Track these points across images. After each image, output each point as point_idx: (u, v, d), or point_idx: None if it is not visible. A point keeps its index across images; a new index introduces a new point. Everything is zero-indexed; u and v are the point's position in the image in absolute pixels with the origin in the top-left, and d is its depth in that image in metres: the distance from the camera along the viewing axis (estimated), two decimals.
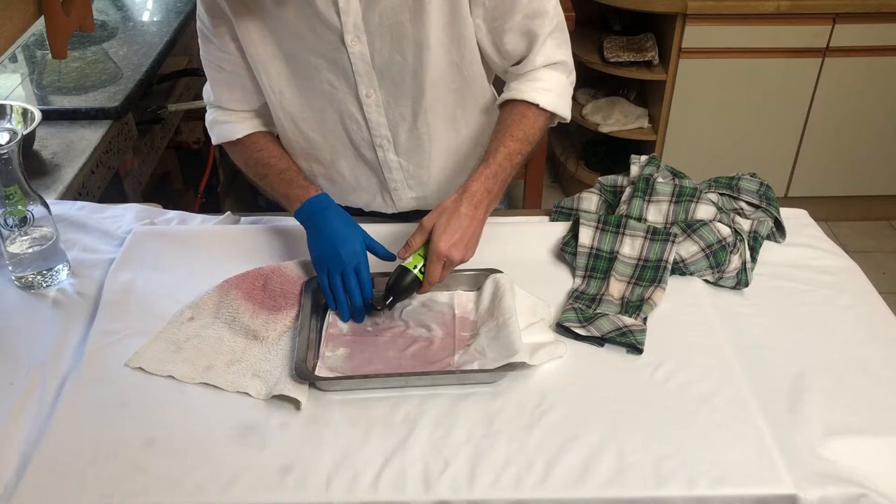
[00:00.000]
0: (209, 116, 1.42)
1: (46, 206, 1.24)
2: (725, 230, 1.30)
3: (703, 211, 1.34)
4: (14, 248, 1.24)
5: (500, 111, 1.31)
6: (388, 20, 1.20)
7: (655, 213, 1.36)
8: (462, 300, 1.26)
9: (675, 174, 1.42)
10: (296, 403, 1.07)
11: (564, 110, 1.31)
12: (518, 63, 1.30)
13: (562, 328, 1.19)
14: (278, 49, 1.26)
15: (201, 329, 1.19)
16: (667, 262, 1.27)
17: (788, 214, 1.46)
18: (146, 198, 2.06)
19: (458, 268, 1.27)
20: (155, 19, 2.38)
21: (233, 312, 1.20)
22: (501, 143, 1.23)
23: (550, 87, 1.28)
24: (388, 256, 1.22)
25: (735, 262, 1.29)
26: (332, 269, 1.18)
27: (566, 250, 1.34)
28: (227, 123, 1.38)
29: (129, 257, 1.32)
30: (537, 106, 1.26)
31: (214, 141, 1.41)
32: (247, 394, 1.09)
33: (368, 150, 1.37)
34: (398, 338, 1.19)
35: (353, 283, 1.17)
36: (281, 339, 1.17)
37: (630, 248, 1.30)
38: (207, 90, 1.40)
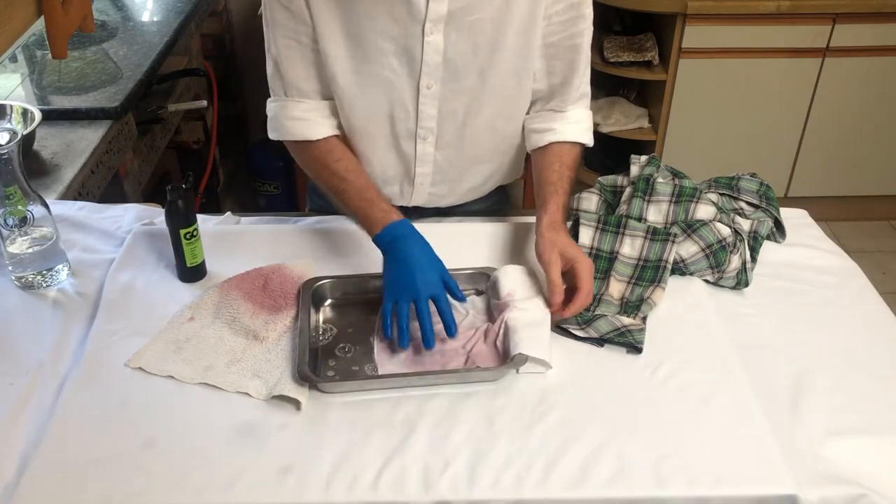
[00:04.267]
0: (274, 106, 1.33)
1: (46, 206, 1.24)
2: (725, 230, 1.30)
3: (703, 211, 1.34)
4: (14, 248, 1.24)
5: (548, 150, 1.35)
6: (471, 15, 1.20)
7: (655, 213, 1.36)
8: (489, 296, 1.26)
9: (675, 174, 1.42)
10: (296, 404, 1.07)
11: (591, 140, 1.40)
12: (554, 99, 1.35)
13: (560, 329, 1.19)
14: (344, 29, 1.22)
15: (201, 329, 1.19)
16: (667, 262, 1.27)
17: (788, 214, 1.46)
18: (146, 198, 2.06)
19: (455, 267, 1.28)
20: (155, 19, 2.38)
21: (233, 312, 1.20)
22: (565, 171, 1.32)
23: (588, 125, 1.38)
24: (460, 298, 1.18)
25: (735, 262, 1.29)
26: (403, 296, 1.13)
27: None
28: (300, 120, 1.30)
29: (129, 257, 1.32)
30: (581, 144, 1.37)
31: (277, 136, 1.34)
32: (247, 394, 1.09)
33: (408, 140, 1.34)
34: (447, 339, 1.18)
35: (426, 311, 1.12)
36: (281, 340, 1.17)
37: (630, 248, 1.30)
38: (273, 75, 1.30)
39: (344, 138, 1.35)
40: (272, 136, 1.35)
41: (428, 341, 1.12)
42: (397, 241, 1.18)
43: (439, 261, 1.18)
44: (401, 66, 1.25)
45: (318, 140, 1.31)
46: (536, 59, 1.30)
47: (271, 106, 1.34)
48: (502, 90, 1.31)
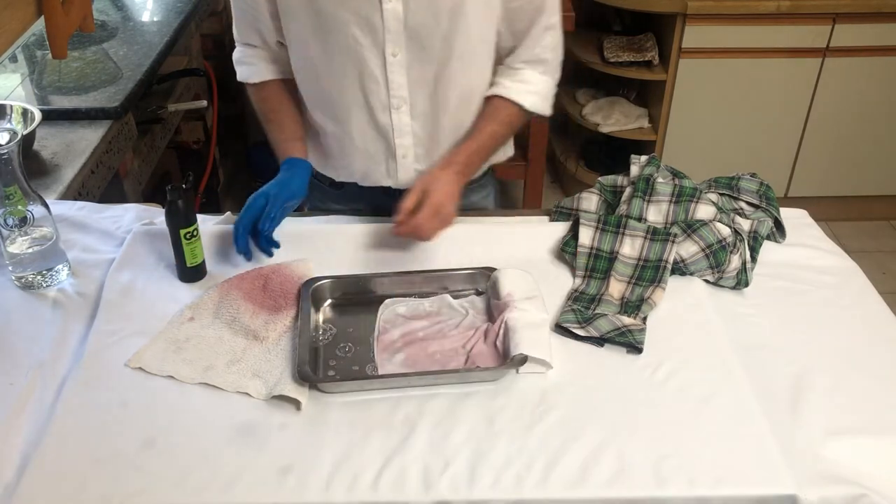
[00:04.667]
0: (235, 52, 1.45)
1: (46, 206, 1.24)
2: (725, 230, 1.30)
3: (703, 211, 1.34)
4: (14, 248, 1.24)
5: (485, 102, 1.38)
6: None
7: (655, 213, 1.36)
8: (490, 294, 1.26)
9: (675, 174, 1.42)
10: (296, 404, 1.07)
11: (546, 109, 1.42)
12: (510, 55, 1.37)
13: (561, 329, 1.19)
14: (306, 2, 1.26)
15: (201, 329, 1.19)
16: (667, 262, 1.28)
17: (788, 214, 1.46)
18: (146, 198, 2.06)
19: (455, 267, 1.28)
20: (155, 19, 2.38)
21: (233, 312, 1.20)
22: (488, 123, 1.35)
23: (537, 90, 1.38)
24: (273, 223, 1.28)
25: (735, 262, 1.29)
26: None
27: (566, 250, 1.34)
28: (248, 65, 1.43)
29: (129, 257, 1.32)
30: (520, 106, 1.37)
31: (238, 78, 1.46)
32: (247, 394, 1.09)
33: (383, 112, 1.36)
34: (447, 339, 1.19)
35: (258, 207, 1.28)
36: (281, 340, 1.17)
37: (630, 248, 1.30)
38: (235, 24, 1.43)
39: (319, 105, 1.41)
40: (237, 78, 1.46)
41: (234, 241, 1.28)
42: (285, 166, 1.36)
43: (293, 187, 1.32)
44: (364, 36, 1.27)
45: (259, 82, 1.42)
46: (499, 23, 1.32)
47: (235, 51, 1.46)
48: (471, 57, 1.33)
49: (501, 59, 1.39)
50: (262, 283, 1.25)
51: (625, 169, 1.45)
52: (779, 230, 1.41)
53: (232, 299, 1.22)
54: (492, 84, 1.39)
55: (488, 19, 1.30)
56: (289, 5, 1.28)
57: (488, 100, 1.38)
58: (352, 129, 1.40)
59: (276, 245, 1.29)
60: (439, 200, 1.25)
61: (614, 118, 3.01)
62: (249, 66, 1.42)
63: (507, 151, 1.52)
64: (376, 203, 1.48)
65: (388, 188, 1.46)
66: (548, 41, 1.35)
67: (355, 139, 1.41)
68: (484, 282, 1.28)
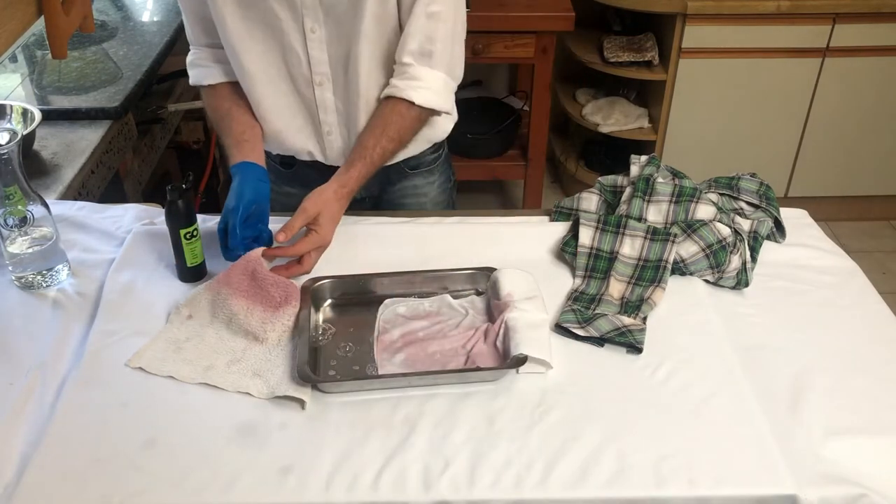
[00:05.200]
0: (189, 55, 1.45)
1: (46, 206, 1.24)
2: (725, 230, 1.30)
3: (703, 211, 1.34)
4: (14, 248, 1.24)
5: (378, 107, 1.37)
6: None
7: (655, 213, 1.36)
8: (489, 295, 1.26)
9: (675, 174, 1.42)
10: (301, 403, 1.07)
11: (442, 105, 1.37)
12: (399, 48, 1.34)
13: (561, 329, 1.19)
14: None
15: (201, 328, 1.19)
16: (667, 262, 1.28)
17: (788, 214, 1.46)
18: (146, 198, 2.06)
19: (455, 267, 1.28)
20: (155, 19, 2.38)
21: (228, 313, 1.20)
22: (379, 142, 1.33)
23: (428, 85, 1.34)
24: (241, 234, 1.25)
25: (735, 262, 1.29)
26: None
27: (566, 250, 1.34)
28: (199, 67, 1.42)
29: (129, 257, 1.32)
30: (412, 103, 1.33)
31: (190, 82, 1.46)
32: (248, 394, 1.09)
33: (307, 87, 1.38)
34: (447, 339, 1.19)
35: (225, 229, 1.26)
36: (281, 340, 1.17)
37: (630, 248, 1.30)
38: (186, 27, 1.42)
39: (246, 87, 1.40)
40: (190, 82, 1.46)
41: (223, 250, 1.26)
42: (234, 177, 1.32)
43: (246, 194, 1.27)
44: (282, 11, 1.29)
45: (208, 86, 1.43)
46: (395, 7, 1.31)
47: (188, 55, 1.45)
48: (375, 38, 1.32)
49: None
50: (249, 274, 1.22)
51: (625, 169, 1.45)
52: (779, 230, 1.41)
53: (224, 298, 1.21)
54: (384, 86, 1.37)
55: (381, 5, 1.29)
56: None
57: (381, 104, 1.36)
58: (278, 103, 1.40)
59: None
60: (325, 238, 1.28)
61: (614, 118, 3.01)
62: (202, 69, 1.42)
63: (445, 127, 1.50)
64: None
65: (323, 168, 1.47)
66: (432, 31, 1.31)
67: (285, 115, 1.42)
68: (484, 282, 1.28)
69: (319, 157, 1.47)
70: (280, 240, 1.23)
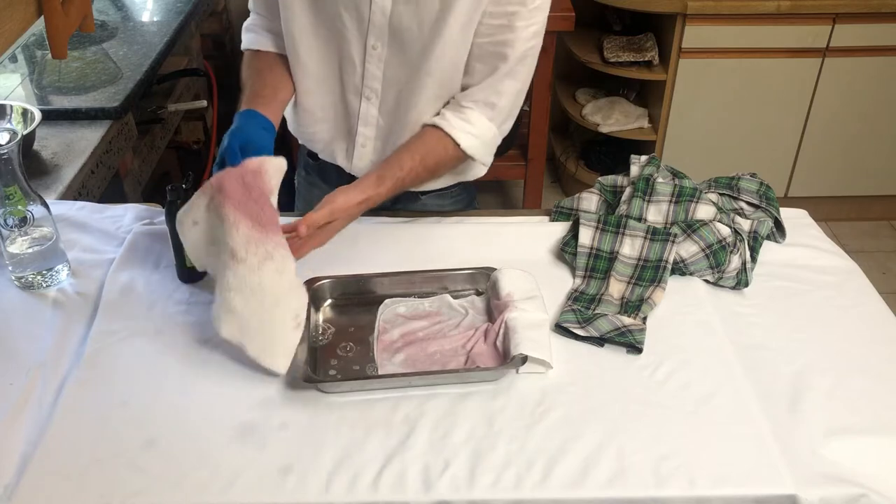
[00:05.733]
0: (246, 21, 1.45)
1: (46, 206, 1.24)
2: (725, 230, 1.30)
3: (703, 211, 1.34)
4: (14, 248, 1.24)
5: (421, 131, 1.34)
6: None
7: (655, 213, 1.36)
8: (491, 294, 1.26)
9: (675, 174, 1.42)
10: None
11: (484, 157, 1.37)
12: (463, 91, 1.33)
13: (561, 329, 1.19)
14: None
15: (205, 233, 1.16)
16: (667, 262, 1.28)
17: (788, 214, 1.46)
18: (146, 198, 2.06)
19: (455, 267, 1.28)
20: (155, 19, 2.38)
21: (219, 219, 1.12)
22: (415, 167, 1.30)
23: (479, 133, 1.33)
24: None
25: (735, 262, 1.29)
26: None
27: (566, 250, 1.34)
28: (252, 33, 1.41)
29: (129, 257, 1.32)
30: (457, 144, 1.32)
31: (241, 46, 1.44)
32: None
33: (354, 95, 1.37)
34: (447, 339, 1.18)
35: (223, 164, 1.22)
36: (263, 267, 1.10)
37: (630, 248, 1.30)
38: None
39: (295, 75, 1.39)
40: (242, 46, 1.45)
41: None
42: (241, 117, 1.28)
43: (244, 131, 1.23)
44: (350, 21, 1.28)
45: (252, 50, 1.41)
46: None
47: (247, 21, 1.44)
48: (440, 77, 1.31)
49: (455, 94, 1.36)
50: (240, 180, 1.14)
51: (625, 169, 1.45)
52: (779, 230, 1.41)
53: (217, 204, 1.13)
54: (436, 113, 1.36)
55: (462, 48, 1.28)
56: None
57: (425, 129, 1.34)
58: (323, 102, 1.40)
59: None
60: (329, 234, 1.24)
61: (614, 118, 3.01)
62: (253, 35, 1.41)
63: (476, 172, 1.48)
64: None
65: (343, 171, 1.47)
66: (504, 87, 1.31)
67: (325, 112, 1.42)
68: (484, 282, 1.28)
69: (343, 164, 1.46)
70: (301, 232, 1.18)
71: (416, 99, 1.34)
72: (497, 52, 1.28)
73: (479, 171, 1.48)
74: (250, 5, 1.42)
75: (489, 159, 1.40)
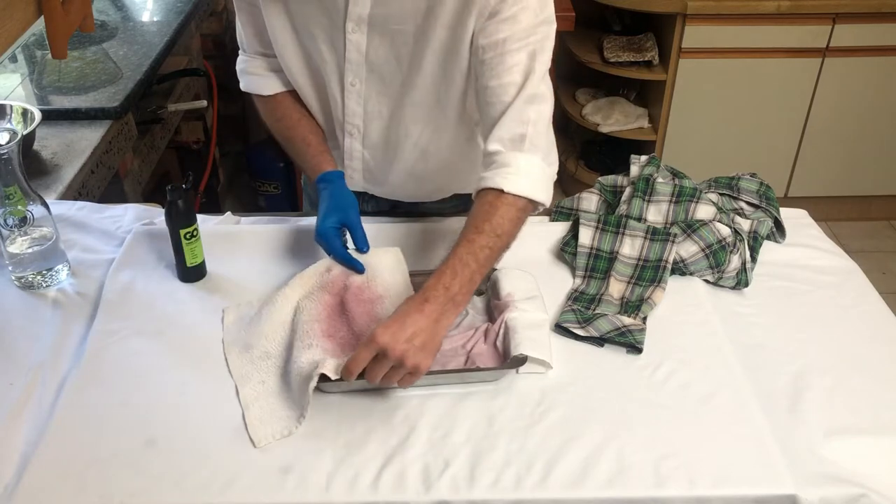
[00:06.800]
0: (240, 61, 1.40)
1: (46, 206, 1.24)
2: (725, 230, 1.30)
3: (703, 211, 1.34)
4: (14, 248, 1.24)
5: (479, 201, 1.16)
6: (393, 25, 1.19)
7: (655, 213, 1.36)
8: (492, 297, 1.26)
9: (675, 174, 1.43)
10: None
11: (540, 194, 1.16)
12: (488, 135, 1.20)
13: (560, 329, 1.19)
14: (284, 6, 1.24)
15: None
16: (667, 262, 1.28)
17: (788, 214, 1.46)
18: (146, 198, 2.06)
19: None
20: (155, 19, 2.38)
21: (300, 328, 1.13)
22: (465, 238, 1.12)
23: (519, 171, 1.15)
24: (360, 247, 1.22)
25: (735, 262, 1.29)
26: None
27: (566, 250, 1.34)
28: (255, 76, 1.37)
29: (129, 257, 1.32)
30: (502, 191, 1.14)
31: (242, 88, 1.41)
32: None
33: (340, 131, 1.37)
34: (447, 339, 1.18)
35: (325, 245, 1.22)
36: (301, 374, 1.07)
37: (630, 248, 1.30)
38: (239, 32, 1.38)
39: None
40: (241, 87, 1.41)
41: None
42: (323, 185, 1.27)
43: (348, 206, 1.23)
44: (329, 57, 1.27)
45: (267, 95, 1.37)
46: (461, 90, 1.25)
47: (239, 59, 1.40)
48: (424, 111, 1.29)
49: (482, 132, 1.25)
50: (339, 300, 1.17)
51: (625, 169, 1.45)
52: (779, 230, 1.41)
53: (307, 316, 1.14)
54: (431, 154, 1.35)
55: (445, 84, 1.24)
56: (270, 7, 1.25)
57: (480, 197, 1.16)
58: (315, 125, 1.39)
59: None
60: (375, 337, 1.00)
61: (614, 118, 3.01)
62: (258, 78, 1.37)
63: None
64: None
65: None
66: (527, 114, 1.16)
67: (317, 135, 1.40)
68: (484, 282, 1.27)
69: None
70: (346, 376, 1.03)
71: (403, 134, 1.33)
72: (514, 76, 1.17)
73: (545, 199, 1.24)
74: (242, 45, 1.37)
75: (547, 197, 1.19)
